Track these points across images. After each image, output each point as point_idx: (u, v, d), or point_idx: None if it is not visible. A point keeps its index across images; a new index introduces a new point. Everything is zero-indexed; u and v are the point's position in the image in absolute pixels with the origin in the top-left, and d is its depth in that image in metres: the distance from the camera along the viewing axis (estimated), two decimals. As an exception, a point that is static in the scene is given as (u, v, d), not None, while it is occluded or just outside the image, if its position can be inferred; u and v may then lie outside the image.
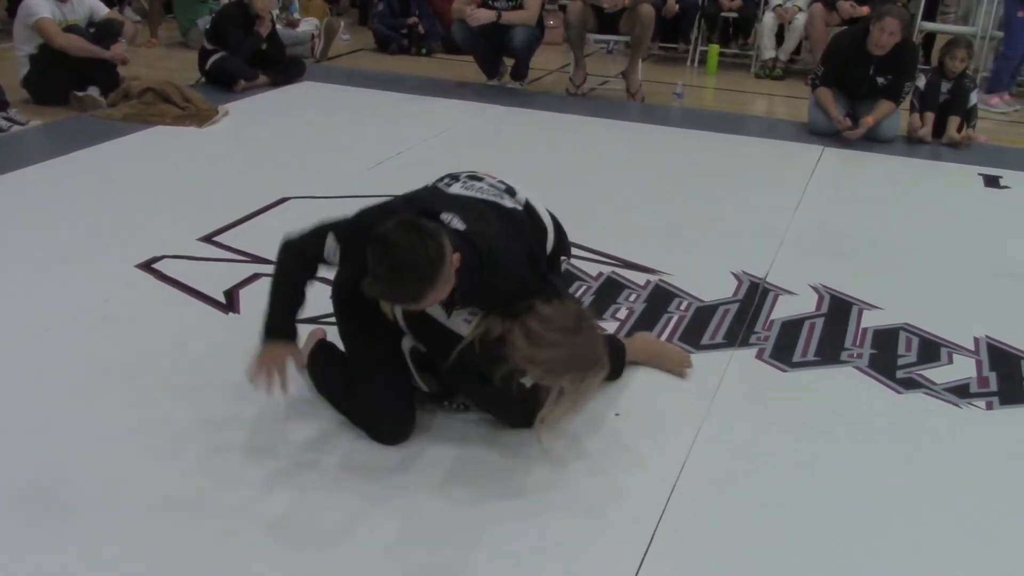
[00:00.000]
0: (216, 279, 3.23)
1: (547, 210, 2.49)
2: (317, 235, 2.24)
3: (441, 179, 2.44)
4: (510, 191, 2.41)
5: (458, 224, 2.16)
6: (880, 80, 5.45)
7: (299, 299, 2.34)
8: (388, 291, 2.09)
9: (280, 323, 2.32)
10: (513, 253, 2.24)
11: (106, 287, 3.15)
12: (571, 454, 2.38)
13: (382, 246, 2.01)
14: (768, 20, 7.44)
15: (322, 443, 2.37)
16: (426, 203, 2.26)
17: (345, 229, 2.22)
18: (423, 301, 2.08)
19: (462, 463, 2.32)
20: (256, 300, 3.07)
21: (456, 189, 2.37)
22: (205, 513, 2.10)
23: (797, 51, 7.67)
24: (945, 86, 5.59)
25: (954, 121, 5.57)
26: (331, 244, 2.20)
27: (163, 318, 2.98)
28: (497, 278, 2.17)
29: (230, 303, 3.10)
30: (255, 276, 3.27)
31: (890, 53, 5.32)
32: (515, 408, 2.39)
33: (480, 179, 2.42)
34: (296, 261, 2.30)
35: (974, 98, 5.68)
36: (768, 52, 7.51)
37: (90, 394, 2.53)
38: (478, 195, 2.35)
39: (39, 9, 5.28)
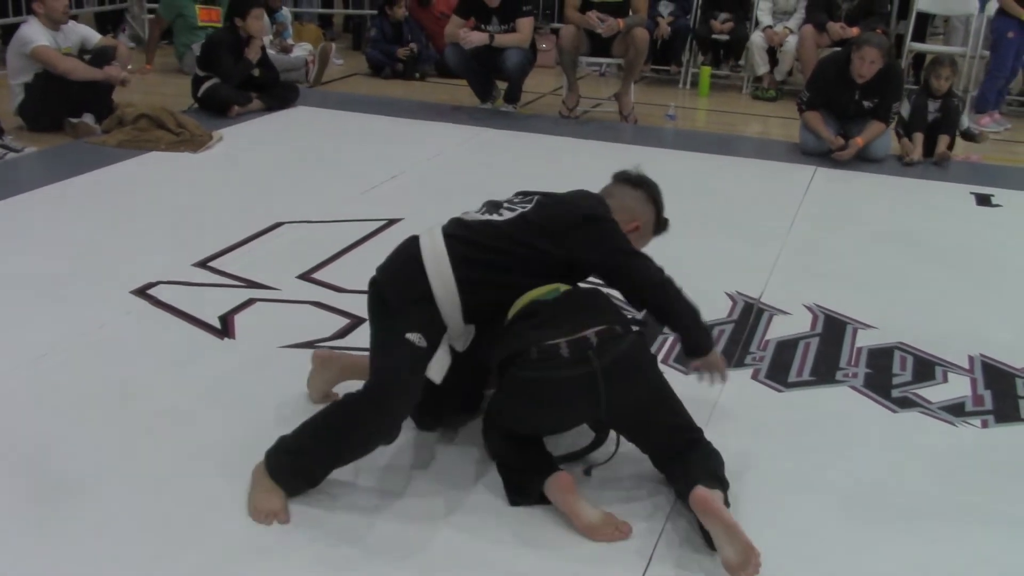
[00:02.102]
0: (211, 304, 3.23)
1: None
2: None
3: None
4: None
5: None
6: (866, 103, 5.48)
7: None
8: None
9: None
10: None
11: (101, 313, 3.15)
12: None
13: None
14: (757, 39, 7.49)
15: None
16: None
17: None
18: None
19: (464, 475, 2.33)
20: (251, 325, 3.10)
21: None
22: (200, 538, 2.09)
23: (790, 72, 7.73)
24: (933, 106, 5.63)
25: (944, 140, 5.61)
26: None
27: (158, 344, 2.98)
28: None
29: (225, 328, 3.09)
30: (250, 301, 3.27)
31: (874, 77, 5.33)
32: None
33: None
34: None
35: (966, 121, 5.70)
36: (761, 68, 7.56)
37: (85, 420, 2.52)
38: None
39: (36, 37, 5.28)
